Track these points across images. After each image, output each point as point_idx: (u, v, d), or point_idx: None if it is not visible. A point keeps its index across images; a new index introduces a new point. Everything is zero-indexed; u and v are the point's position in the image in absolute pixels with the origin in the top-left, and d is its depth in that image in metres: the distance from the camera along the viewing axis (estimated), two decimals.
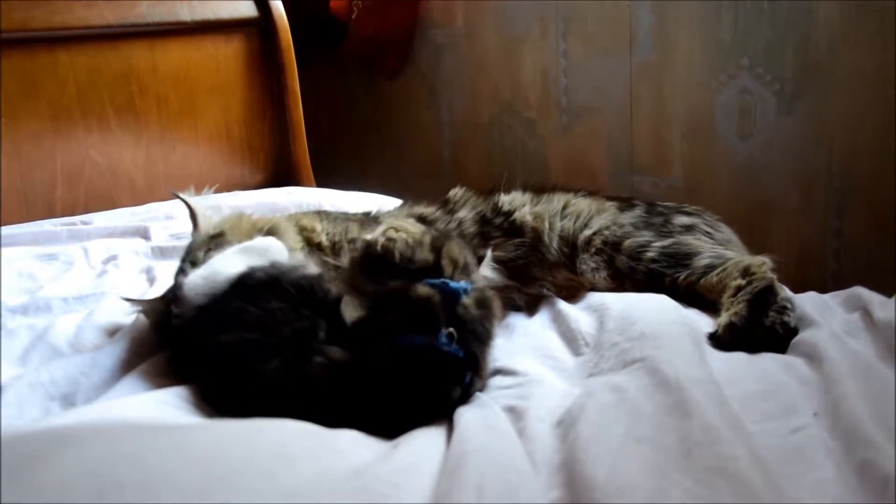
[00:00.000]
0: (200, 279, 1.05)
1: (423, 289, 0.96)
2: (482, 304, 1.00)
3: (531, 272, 1.31)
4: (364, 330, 0.93)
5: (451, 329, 0.93)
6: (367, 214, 1.40)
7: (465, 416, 0.87)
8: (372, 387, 0.89)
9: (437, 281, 0.97)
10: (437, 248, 1.04)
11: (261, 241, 1.12)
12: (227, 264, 1.04)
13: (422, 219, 1.35)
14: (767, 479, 0.69)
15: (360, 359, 0.90)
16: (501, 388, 1.00)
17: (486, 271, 1.13)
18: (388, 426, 0.88)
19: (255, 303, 0.94)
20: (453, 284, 0.97)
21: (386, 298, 0.96)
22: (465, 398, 0.95)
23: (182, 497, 0.63)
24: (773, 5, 1.79)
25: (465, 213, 1.36)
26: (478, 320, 0.98)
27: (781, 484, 0.70)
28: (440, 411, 0.91)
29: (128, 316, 1.19)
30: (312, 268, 1.04)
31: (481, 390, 0.99)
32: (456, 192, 1.42)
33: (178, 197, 1.23)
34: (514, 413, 0.91)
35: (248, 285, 0.98)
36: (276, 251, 1.08)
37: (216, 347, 0.94)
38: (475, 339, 0.97)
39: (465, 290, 0.98)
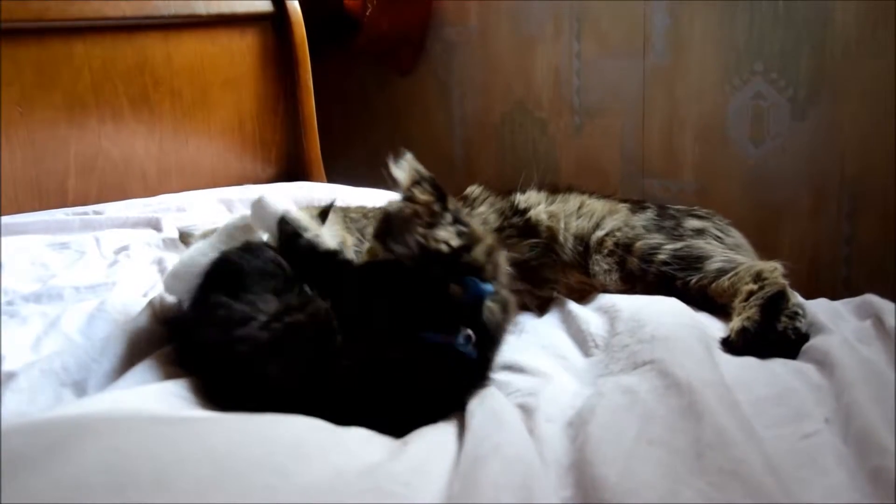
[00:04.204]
0: (171, 278, 1.07)
1: (455, 287, 0.95)
2: (504, 308, 0.99)
3: (544, 274, 1.31)
4: (386, 317, 0.93)
5: (470, 332, 0.92)
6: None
7: (478, 413, 0.87)
8: (386, 381, 0.89)
9: (468, 279, 0.96)
10: (489, 254, 1.02)
11: (237, 219, 1.11)
12: (197, 255, 1.03)
13: None
14: (780, 483, 0.69)
15: (378, 355, 0.90)
16: (510, 386, 1.00)
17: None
18: (395, 422, 0.88)
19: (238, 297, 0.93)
20: (482, 286, 0.96)
21: (419, 287, 0.95)
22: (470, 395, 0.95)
23: (197, 493, 0.63)
24: (788, 10, 1.78)
25: (486, 209, 1.36)
26: (498, 325, 0.97)
27: (794, 488, 0.70)
28: (448, 410, 0.91)
29: (139, 304, 1.20)
30: (269, 253, 1.01)
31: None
32: (473, 190, 1.42)
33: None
34: (524, 411, 0.91)
35: (215, 278, 0.97)
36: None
37: (227, 344, 0.92)
38: (490, 342, 0.96)
39: (490, 293, 0.97)
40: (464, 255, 0.98)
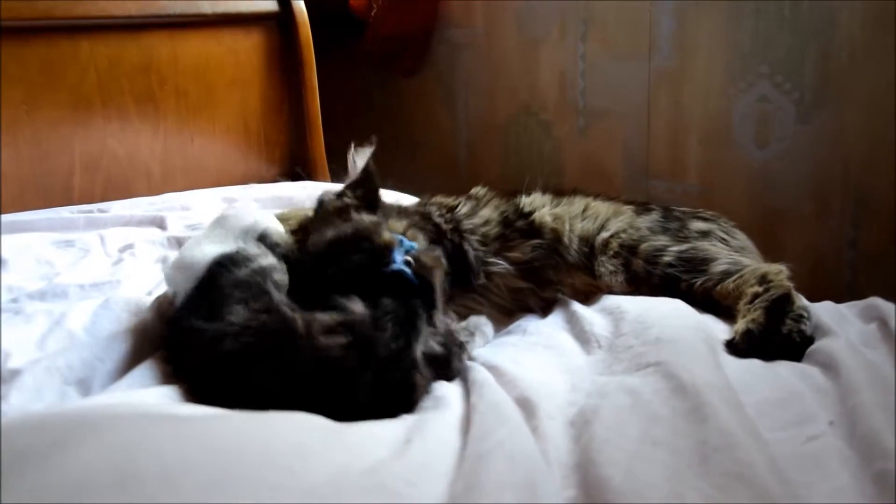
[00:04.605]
0: (173, 269, 1.09)
1: (387, 235, 1.07)
2: (433, 260, 1.10)
3: (547, 275, 1.31)
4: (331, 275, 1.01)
5: (409, 258, 1.04)
6: None
7: (479, 407, 0.87)
8: (345, 326, 0.93)
9: (395, 234, 1.10)
10: (407, 228, 1.17)
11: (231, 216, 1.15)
12: (197, 251, 1.06)
13: (449, 209, 1.37)
14: (785, 486, 0.69)
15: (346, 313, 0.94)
16: (505, 376, 1.00)
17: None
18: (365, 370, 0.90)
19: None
20: (408, 241, 1.10)
21: (352, 237, 1.06)
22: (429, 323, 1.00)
23: (202, 491, 0.63)
24: (794, 14, 1.78)
25: (490, 213, 1.36)
26: (430, 268, 1.06)
27: (798, 491, 0.70)
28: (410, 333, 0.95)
29: (144, 302, 1.20)
30: (270, 258, 1.06)
31: (440, 330, 1.03)
32: (478, 191, 1.42)
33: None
34: (526, 408, 0.90)
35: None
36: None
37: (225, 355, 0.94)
38: (429, 272, 1.05)
39: (416, 248, 1.10)
40: (382, 225, 1.13)
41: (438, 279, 1.07)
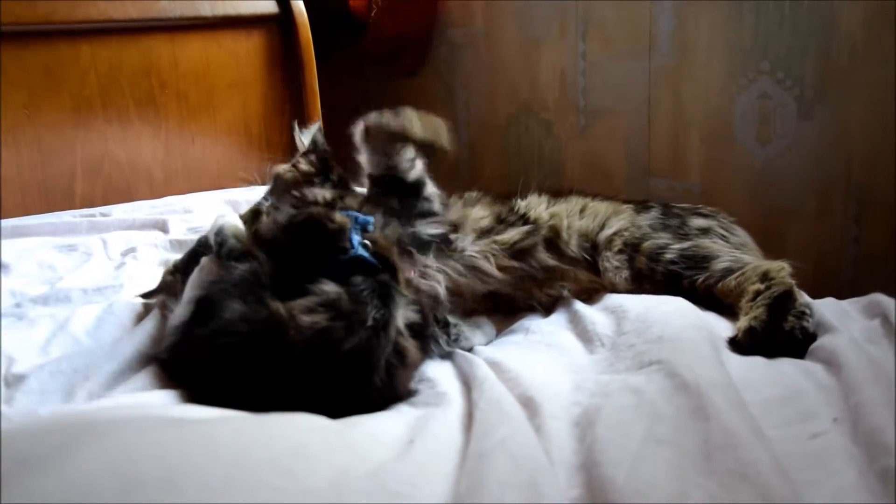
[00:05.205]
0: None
1: (339, 217, 1.07)
2: (386, 240, 1.10)
3: (543, 260, 1.28)
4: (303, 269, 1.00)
5: (367, 241, 1.05)
6: None
7: (481, 404, 0.87)
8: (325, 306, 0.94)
9: (348, 211, 1.11)
10: (363, 204, 1.17)
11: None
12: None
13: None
14: (788, 484, 0.69)
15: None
16: (509, 379, 0.99)
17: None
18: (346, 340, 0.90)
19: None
20: (362, 216, 1.10)
21: (305, 225, 1.06)
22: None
23: (204, 494, 0.63)
24: (794, 10, 1.78)
25: (480, 212, 1.35)
26: (387, 247, 1.07)
27: (802, 489, 0.70)
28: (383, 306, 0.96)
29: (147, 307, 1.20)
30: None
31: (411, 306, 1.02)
32: (471, 195, 1.41)
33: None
34: (528, 407, 0.90)
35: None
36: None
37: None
38: (387, 253, 1.06)
39: (371, 222, 1.10)
40: (338, 203, 1.14)
41: (396, 257, 1.08)
